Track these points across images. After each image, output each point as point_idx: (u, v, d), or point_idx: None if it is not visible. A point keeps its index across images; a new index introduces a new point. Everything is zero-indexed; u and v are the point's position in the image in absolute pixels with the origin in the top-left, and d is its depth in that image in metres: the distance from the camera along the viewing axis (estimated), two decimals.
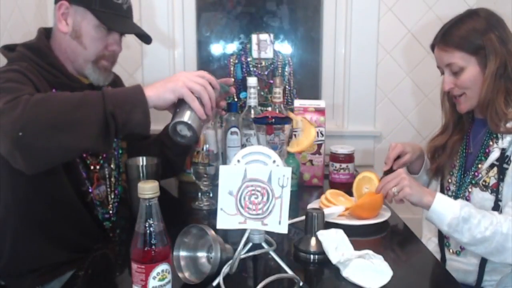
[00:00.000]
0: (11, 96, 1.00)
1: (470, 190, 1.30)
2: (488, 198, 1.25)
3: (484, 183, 1.27)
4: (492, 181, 1.25)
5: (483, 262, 1.28)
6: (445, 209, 1.17)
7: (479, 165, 1.30)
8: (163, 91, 1.09)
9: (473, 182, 1.30)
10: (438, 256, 1.38)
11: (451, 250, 1.36)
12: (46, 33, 1.30)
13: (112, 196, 1.37)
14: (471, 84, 1.27)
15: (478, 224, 1.15)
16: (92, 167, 1.30)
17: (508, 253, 1.15)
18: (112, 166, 1.38)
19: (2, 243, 1.22)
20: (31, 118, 0.97)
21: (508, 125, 1.24)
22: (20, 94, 1.00)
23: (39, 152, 0.99)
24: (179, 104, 1.12)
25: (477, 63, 1.26)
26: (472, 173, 1.31)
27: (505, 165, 1.24)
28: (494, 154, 1.26)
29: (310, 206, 1.33)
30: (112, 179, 1.37)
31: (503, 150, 1.25)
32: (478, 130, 1.35)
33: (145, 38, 1.35)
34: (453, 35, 1.27)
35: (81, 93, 1.06)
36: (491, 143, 1.28)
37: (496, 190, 1.24)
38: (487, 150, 1.29)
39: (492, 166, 1.26)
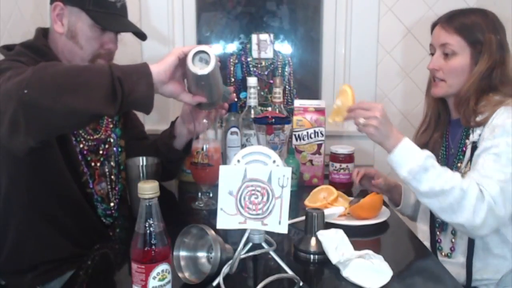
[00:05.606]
0: (15, 69, 1.01)
1: None
2: None
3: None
4: None
5: (469, 260, 1.28)
6: (407, 156, 1.16)
7: (459, 164, 1.31)
8: (163, 59, 1.08)
9: None
10: None
11: (443, 253, 1.36)
12: (44, 33, 1.31)
13: (113, 193, 1.38)
14: (456, 73, 1.29)
15: (438, 175, 1.14)
16: (92, 164, 1.32)
17: (461, 212, 1.13)
18: (112, 163, 1.39)
19: (5, 235, 1.23)
20: (37, 78, 0.96)
21: (478, 118, 1.26)
22: (24, 68, 1.00)
23: (43, 113, 0.96)
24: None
25: (470, 56, 1.28)
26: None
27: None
28: (468, 150, 1.28)
29: (306, 201, 1.34)
30: (113, 177, 1.39)
31: (473, 143, 1.27)
32: (455, 131, 1.37)
33: (141, 35, 1.35)
34: (459, 20, 1.29)
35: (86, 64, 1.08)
36: (466, 141, 1.31)
37: None
38: (464, 149, 1.31)
39: (468, 161, 1.28)
